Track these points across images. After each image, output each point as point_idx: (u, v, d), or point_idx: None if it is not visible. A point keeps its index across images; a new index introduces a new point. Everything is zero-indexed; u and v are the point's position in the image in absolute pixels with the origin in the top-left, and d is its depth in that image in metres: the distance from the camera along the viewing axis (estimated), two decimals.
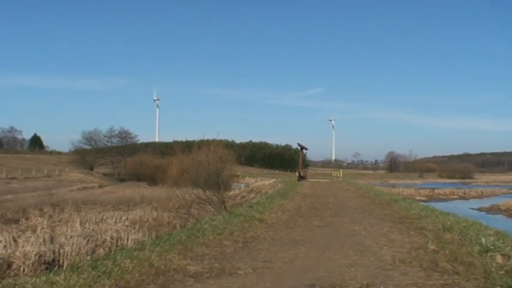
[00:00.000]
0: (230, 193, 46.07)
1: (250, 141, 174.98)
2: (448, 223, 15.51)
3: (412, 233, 14.30)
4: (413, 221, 16.89)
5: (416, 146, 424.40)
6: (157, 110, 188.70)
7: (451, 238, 12.63)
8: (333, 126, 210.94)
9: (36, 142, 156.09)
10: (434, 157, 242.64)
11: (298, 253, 11.12)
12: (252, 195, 47.42)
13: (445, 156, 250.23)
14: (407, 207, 22.01)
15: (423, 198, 66.82)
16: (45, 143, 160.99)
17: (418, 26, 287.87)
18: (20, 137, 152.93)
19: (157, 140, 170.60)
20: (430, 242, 12.05)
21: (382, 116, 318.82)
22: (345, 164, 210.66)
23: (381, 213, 20.28)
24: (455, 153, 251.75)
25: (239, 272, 9.16)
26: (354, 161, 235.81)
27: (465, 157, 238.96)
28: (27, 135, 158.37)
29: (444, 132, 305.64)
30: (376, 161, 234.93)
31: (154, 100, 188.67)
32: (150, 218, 30.21)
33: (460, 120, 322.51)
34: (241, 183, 66.95)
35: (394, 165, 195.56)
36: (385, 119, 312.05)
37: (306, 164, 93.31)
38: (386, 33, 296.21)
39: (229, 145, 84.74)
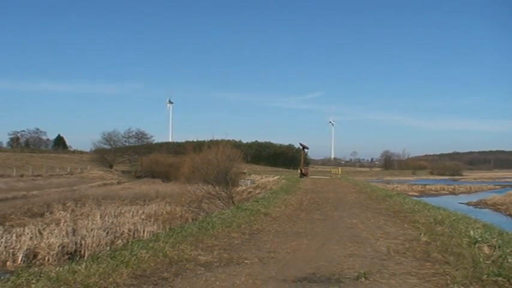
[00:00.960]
0: (238, 189, 45.98)
1: (256, 141, 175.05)
2: (439, 217, 15.45)
3: (405, 225, 14.25)
4: (407, 215, 16.84)
5: (409, 145, 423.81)
6: (170, 112, 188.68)
7: (442, 230, 12.59)
8: (332, 125, 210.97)
9: (59, 142, 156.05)
10: (426, 155, 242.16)
11: (301, 244, 11.09)
12: (257, 191, 47.33)
13: (436, 155, 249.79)
14: (401, 202, 21.94)
15: (416, 194, 66.56)
16: (68, 143, 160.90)
17: (410, 34, 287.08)
18: (44, 137, 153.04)
19: (170, 140, 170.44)
20: (422, 234, 12.01)
21: (377, 118, 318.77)
22: (343, 162, 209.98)
23: (377, 207, 20.22)
24: (445, 152, 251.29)
25: (246, 261, 9.14)
26: (351, 159, 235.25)
27: (454, 155, 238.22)
28: (52, 136, 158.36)
29: (435, 132, 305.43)
30: (372, 159, 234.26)
31: (167, 103, 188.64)
32: (164, 212, 30.19)
33: (450, 122, 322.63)
34: (248, 179, 66.83)
35: (389, 163, 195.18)
36: (380, 120, 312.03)
37: (307, 162, 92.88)
38: (381, 41, 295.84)
39: (236, 145, 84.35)
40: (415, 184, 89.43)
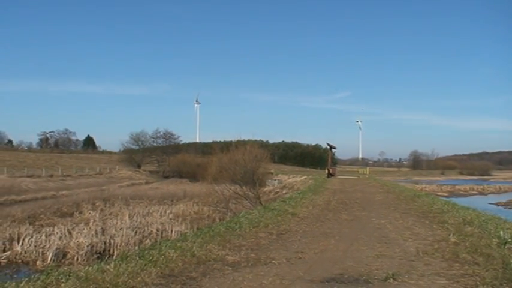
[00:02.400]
0: (265, 189, 45.91)
1: (283, 141, 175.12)
2: (468, 217, 15.28)
3: (434, 226, 14.10)
4: (436, 215, 16.67)
5: (438, 145, 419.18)
6: (197, 113, 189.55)
7: (471, 231, 12.43)
8: (360, 127, 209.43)
9: (89, 143, 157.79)
10: (455, 155, 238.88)
11: (328, 245, 11.05)
12: (284, 191, 47.27)
13: (465, 155, 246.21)
14: (430, 202, 21.72)
15: (445, 194, 65.84)
16: (97, 144, 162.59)
17: (439, 35, 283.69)
18: (74, 138, 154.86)
19: (198, 140, 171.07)
20: (451, 235, 11.88)
21: (406, 117, 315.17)
22: (371, 162, 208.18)
23: (406, 208, 20.04)
24: (475, 152, 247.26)
25: (273, 261, 9.14)
26: (379, 159, 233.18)
27: (484, 155, 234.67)
28: (81, 137, 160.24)
29: (464, 132, 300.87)
30: (400, 159, 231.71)
31: (195, 104, 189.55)
32: (191, 212, 30.36)
33: (479, 121, 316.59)
34: (275, 180, 66.78)
35: (418, 163, 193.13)
36: (409, 120, 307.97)
37: (335, 162, 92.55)
38: (409, 41, 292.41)
39: (263, 145, 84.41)
40: (444, 184, 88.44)
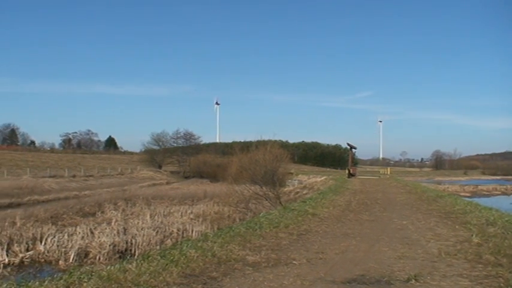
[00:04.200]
0: (285, 189, 45.74)
1: (303, 141, 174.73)
2: (492, 218, 15.15)
3: (457, 227, 14.00)
4: (458, 216, 16.54)
5: (460, 144, 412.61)
6: (217, 113, 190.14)
7: (494, 232, 12.33)
8: (381, 127, 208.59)
9: (110, 143, 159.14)
10: (478, 155, 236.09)
11: (349, 245, 11.01)
12: (305, 191, 47.15)
13: (488, 154, 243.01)
14: (453, 202, 21.56)
15: (467, 194, 65.06)
16: (118, 144, 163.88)
17: (461, 33, 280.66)
18: (96, 138, 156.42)
19: (218, 140, 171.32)
20: (474, 236, 11.78)
21: (428, 117, 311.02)
22: (392, 162, 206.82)
23: (428, 208, 19.89)
24: (498, 151, 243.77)
25: (294, 262, 9.12)
26: (401, 159, 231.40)
27: (507, 155, 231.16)
28: (103, 137, 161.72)
29: (487, 131, 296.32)
30: (422, 159, 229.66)
31: (215, 104, 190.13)
32: (212, 212, 30.35)
33: (502, 120, 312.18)
34: (295, 180, 66.66)
35: (440, 163, 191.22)
36: (431, 119, 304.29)
37: (355, 162, 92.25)
38: (431, 40, 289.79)
39: (283, 145, 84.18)
40: (466, 184, 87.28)
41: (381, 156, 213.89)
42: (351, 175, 60.66)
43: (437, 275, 8.06)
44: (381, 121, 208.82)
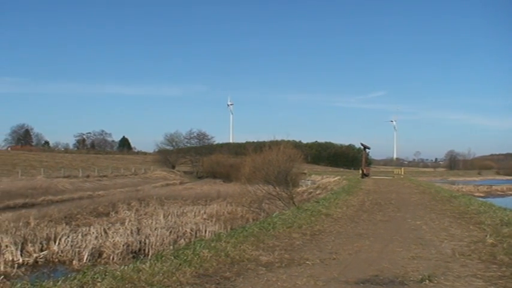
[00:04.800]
0: (298, 189, 45.70)
1: (316, 141, 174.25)
2: (506, 218, 15.05)
3: (471, 227, 13.93)
4: (472, 216, 16.45)
5: (474, 144, 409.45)
6: (231, 114, 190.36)
7: (508, 232, 12.25)
8: (394, 127, 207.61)
9: (124, 143, 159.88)
10: (492, 155, 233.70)
11: (363, 246, 10.99)
12: (318, 192, 47.07)
13: (502, 154, 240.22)
14: (467, 203, 21.44)
15: (481, 195, 64.55)
16: (132, 144, 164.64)
17: (476, 32, 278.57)
18: (109, 139, 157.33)
19: (231, 140, 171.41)
20: (488, 236, 11.72)
21: (442, 117, 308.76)
22: (406, 162, 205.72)
23: (441, 208, 19.80)
24: None
25: (307, 262, 9.12)
26: (414, 159, 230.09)
27: None
28: (117, 138, 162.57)
29: (501, 131, 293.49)
30: (436, 159, 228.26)
31: (228, 105, 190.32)
32: (225, 212, 30.39)
33: None
34: (308, 180, 66.58)
35: (454, 163, 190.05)
36: (445, 119, 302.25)
37: (369, 162, 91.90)
38: (444, 39, 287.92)
39: (297, 145, 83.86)
40: (480, 185, 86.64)
41: (394, 156, 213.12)
42: (364, 175, 60.47)
43: (451, 276, 8.04)
44: (393, 121, 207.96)
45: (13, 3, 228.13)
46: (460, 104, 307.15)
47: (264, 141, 51.73)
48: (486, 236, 11.85)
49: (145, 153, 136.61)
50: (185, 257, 8.97)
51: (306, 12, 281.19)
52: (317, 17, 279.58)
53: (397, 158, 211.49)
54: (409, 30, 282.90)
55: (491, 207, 19.43)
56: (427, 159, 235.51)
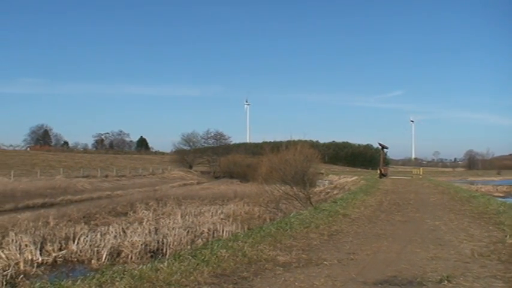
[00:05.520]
0: (315, 189, 45.58)
1: (334, 141, 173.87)
2: None
3: (490, 227, 13.83)
4: (492, 216, 16.32)
5: (493, 144, 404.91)
6: (247, 113, 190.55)
7: None
8: (413, 126, 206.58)
9: (142, 144, 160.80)
10: (511, 155, 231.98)
11: (381, 246, 10.95)
12: (335, 192, 46.89)
13: None
14: (486, 203, 21.28)
15: (501, 195, 63.80)
16: (150, 145, 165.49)
17: (494, 32, 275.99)
18: (127, 139, 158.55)
19: (248, 140, 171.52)
20: (508, 237, 11.64)
21: (461, 116, 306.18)
22: (424, 162, 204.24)
23: (460, 209, 19.67)
24: None
25: (325, 262, 9.11)
26: (433, 159, 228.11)
27: None
28: (134, 138, 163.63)
29: None
30: (455, 159, 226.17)
31: (245, 104, 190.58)
32: (242, 212, 30.39)
33: None
34: (326, 180, 66.46)
35: (473, 163, 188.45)
36: (464, 118, 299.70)
37: (387, 162, 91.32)
38: (464, 39, 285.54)
39: (314, 145, 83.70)
40: (500, 184, 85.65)
41: (413, 156, 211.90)
42: (382, 175, 60.20)
43: (470, 276, 7.98)
44: (412, 121, 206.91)
45: (31, 4, 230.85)
46: (479, 103, 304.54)
47: (281, 141, 51.84)
48: (506, 236, 11.77)
49: (163, 153, 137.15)
50: (203, 257, 9.00)
51: (324, 12, 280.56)
52: (335, 17, 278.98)
53: (415, 158, 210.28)
54: (428, 30, 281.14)
55: (511, 207, 19.26)
56: (445, 159, 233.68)
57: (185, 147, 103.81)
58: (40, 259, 16.60)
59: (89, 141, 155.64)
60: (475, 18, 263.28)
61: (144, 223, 23.66)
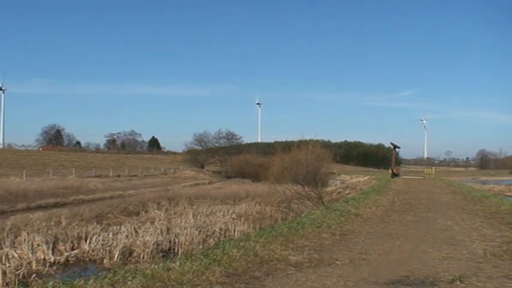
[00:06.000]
0: (327, 189, 45.44)
1: (345, 140, 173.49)
2: None
3: (503, 227, 13.77)
4: (504, 216, 16.25)
5: (506, 143, 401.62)
6: (259, 113, 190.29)
7: None
8: (425, 126, 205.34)
9: (154, 143, 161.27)
10: None
11: (393, 246, 10.93)
12: (347, 191, 46.81)
13: None
14: (498, 202, 21.17)
15: None
16: (161, 144, 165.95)
17: (505, 32, 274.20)
18: (139, 139, 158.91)
19: (259, 140, 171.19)
20: None
21: (473, 115, 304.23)
22: (436, 162, 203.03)
23: (473, 208, 19.59)
24: None
25: (337, 262, 9.10)
26: (445, 158, 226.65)
27: None
28: (146, 138, 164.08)
29: None
30: (467, 158, 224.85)
31: (256, 104, 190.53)
32: (254, 212, 30.41)
33: None
34: (337, 180, 66.38)
35: (485, 162, 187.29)
36: (477, 118, 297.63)
37: (399, 161, 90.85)
38: (475, 39, 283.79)
39: (325, 144, 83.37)
40: None
41: (425, 155, 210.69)
42: (394, 175, 60.06)
43: (483, 276, 7.95)
44: (423, 120, 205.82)
45: (42, 5, 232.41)
46: (490, 102, 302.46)
47: (293, 141, 51.61)
48: None
49: (174, 153, 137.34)
50: (214, 256, 9.02)
51: (336, 12, 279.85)
52: (346, 16, 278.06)
53: (427, 158, 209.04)
54: (439, 30, 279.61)
55: None
56: (458, 159, 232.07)
57: (197, 147, 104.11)
58: (52, 258, 16.70)
59: (101, 141, 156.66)
60: (484, 18, 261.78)
61: (156, 223, 23.75)
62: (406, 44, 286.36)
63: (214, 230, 21.93)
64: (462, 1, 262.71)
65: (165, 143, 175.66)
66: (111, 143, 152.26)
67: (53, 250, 17.50)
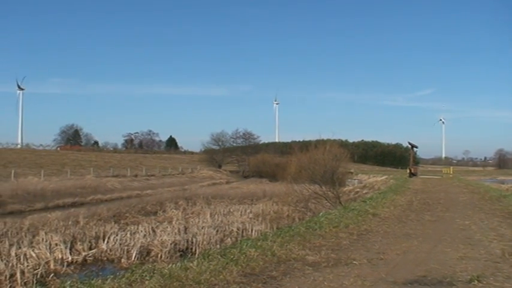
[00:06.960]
0: (344, 189, 45.23)
1: (363, 140, 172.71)
2: None
3: None
4: None
5: None
6: (276, 112, 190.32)
7: None
8: (443, 124, 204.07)
9: (171, 143, 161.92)
10: None
11: (411, 246, 10.90)
12: (365, 191, 46.62)
13: None
14: None
15: None
16: (179, 144, 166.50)
17: None
18: (157, 139, 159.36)
19: (277, 140, 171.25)
20: None
21: (491, 115, 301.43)
22: (454, 161, 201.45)
23: (491, 208, 19.46)
24: None
25: (354, 262, 9.10)
26: (463, 158, 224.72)
27: None
28: (164, 137, 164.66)
29: None
30: (485, 158, 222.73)
31: (274, 103, 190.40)
32: (271, 211, 30.38)
33: None
34: (355, 179, 66.13)
35: (503, 162, 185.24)
36: (495, 117, 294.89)
37: (417, 161, 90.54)
38: (492, 38, 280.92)
39: (343, 144, 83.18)
40: None
41: (443, 155, 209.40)
42: (412, 174, 59.76)
43: (501, 276, 7.92)
44: (441, 119, 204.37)
45: (62, 5, 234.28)
46: (509, 101, 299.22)
47: (310, 141, 51.49)
48: None
49: (192, 153, 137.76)
50: (232, 256, 9.07)
51: (354, 11, 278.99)
52: (364, 15, 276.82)
53: (445, 157, 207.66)
54: (457, 29, 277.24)
55: None
56: (476, 158, 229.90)
57: (214, 147, 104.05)
58: (70, 258, 16.81)
59: (119, 141, 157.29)
60: (503, 17, 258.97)
61: (173, 222, 23.83)
62: (423, 43, 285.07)
63: (232, 230, 21.96)
64: (478, 2, 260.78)
65: (182, 143, 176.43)
66: (129, 142, 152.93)
67: (70, 250, 17.61)
